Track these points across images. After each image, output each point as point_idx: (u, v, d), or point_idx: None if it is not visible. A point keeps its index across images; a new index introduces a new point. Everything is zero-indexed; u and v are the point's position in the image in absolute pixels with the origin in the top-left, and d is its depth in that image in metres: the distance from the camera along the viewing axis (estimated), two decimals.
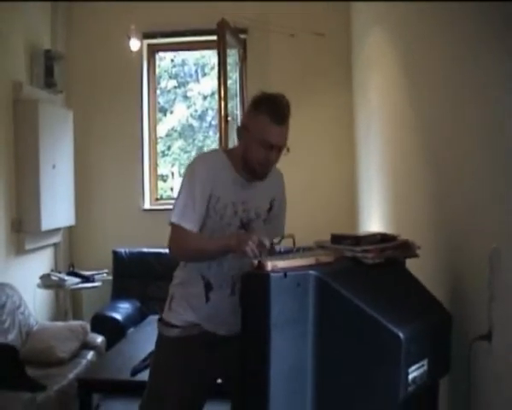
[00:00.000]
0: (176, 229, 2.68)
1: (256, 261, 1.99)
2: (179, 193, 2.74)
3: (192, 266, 2.82)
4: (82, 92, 6.94)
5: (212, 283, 2.78)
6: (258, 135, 2.63)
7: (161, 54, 7.66)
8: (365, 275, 2.16)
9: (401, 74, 3.64)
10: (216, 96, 6.41)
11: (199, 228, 2.70)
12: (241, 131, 2.76)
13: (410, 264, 2.41)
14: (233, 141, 6.02)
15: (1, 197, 5.58)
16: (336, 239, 2.32)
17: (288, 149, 2.71)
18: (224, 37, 5.82)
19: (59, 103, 6.63)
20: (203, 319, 2.80)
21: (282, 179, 3.00)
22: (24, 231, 5.84)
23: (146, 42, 6.99)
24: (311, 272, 1.98)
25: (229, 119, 5.83)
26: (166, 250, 6.28)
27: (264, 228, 2.83)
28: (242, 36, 6.68)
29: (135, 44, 6.60)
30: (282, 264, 1.99)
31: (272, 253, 2.39)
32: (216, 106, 6.53)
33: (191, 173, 2.76)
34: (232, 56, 6.45)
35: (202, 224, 2.71)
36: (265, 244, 2.39)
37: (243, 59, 6.77)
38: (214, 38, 5.91)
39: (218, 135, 6.02)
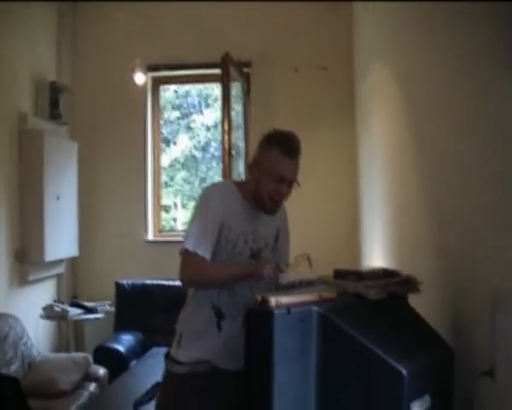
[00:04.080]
0: (190, 256, 2.70)
1: (260, 297, 2.00)
2: (192, 221, 2.78)
3: (201, 296, 2.82)
4: (86, 124, 7.00)
5: (224, 311, 2.79)
6: (270, 168, 2.71)
7: (165, 85, 7.73)
8: (368, 311, 2.16)
9: (403, 109, 3.67)
10: (219, 128, 6.46)
11: (211, 256, 2.73)
12: (253, 167, 2.83)
13: (413, 299, 2.42)
14: (237, 174, 6.05)
15: (5, 228, 5.61)
16: (339, 275, 2.33)
17: (298, 184, 2.77)
18: (227, 70, 5.87)
19: (64, 135, 6.70)
20: (214, 351, 2.77)
21: (284, 210, 3.04)
22: (27, 261, 5.86)
23: (150, 74, 7.06)
24: (314, 308, 2.00)
25: (232, 152, 5.86)
26: (169, 282, 6.30)
27: (272, 257, 2.88)
28: (246, 69, 6.75)
29: (140, 78, 6.64)
30: (285, 300, 2.00)
31: (278, 286, 2.43)
32: (219, 137, 6.58)
33: (204, 202, 2.81)
34: (236, 88, 6.51)
35: (213, 252, 2.74)
36: (282, 268, 2.51)
37: (247, 92, 6.82)
38: (218, 71, 5.99)
39: (221, 166, 6.05)
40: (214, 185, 3.23)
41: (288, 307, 1.96)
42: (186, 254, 2.72)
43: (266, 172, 2.72)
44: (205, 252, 2.69)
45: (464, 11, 2.23)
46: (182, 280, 2.76)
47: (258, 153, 2.82)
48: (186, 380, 2.79)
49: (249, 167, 2.89)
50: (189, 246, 2.70)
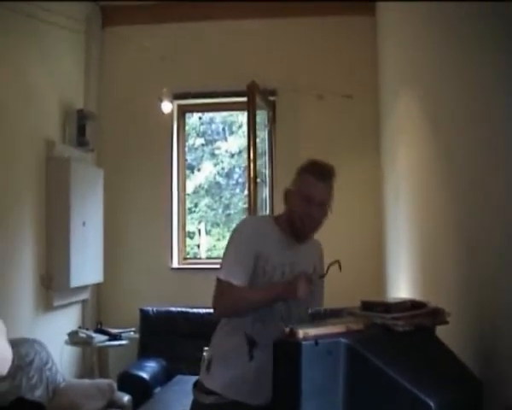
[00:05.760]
0: (222, 284, 2.73)
1: (288, 329, 2.00)
2: (226, 252, 2.83)
3: (234, 324, 2.82)
4: (113, 151, 7.07)
5: (257, 340, 2.77)
6: (299, 190, 2.80)
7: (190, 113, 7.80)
8: (395, 342, 2.15)
9: (430, 140, 3.65)
10: (243, 154, 6.49)
11: (246, 283, 2.74)
12: (287, 194, 2.91)
13: (440, 331, 2.40)
14: (261, 201, 6.05)
15: (31, 253, 5.65)
16: (367, 306, 2.32)
17: (330, 210, 2.87)
18: (253, 99, 5.91)
19: (90, 162, 6.77)
20: (243, 382, 2.74)
21: (320, 248, 3.10)
22: (53, 287, 5.89)
23: (176, 102, 7.10)
24: (342, 339, 1.99)
25: (258, 180, 5.86)
26: (194, 309, 6.30)
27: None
28: (271, 98, 6.78)
29: (166, 107, 6.71)
30: (313, 332, 2.00)
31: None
32: (243, 164, 6.60)
33: (237, 234, 2.88)
34: (261, 116, 6.53)
35: (250, 283, 2.76)
36: (312, 278, 2.64)
37: (272, 120, 6.85)
38: (243, 99, 6.03)
39: (245, 193, 6.06)
40: (250, 217, 3.29)
41: (316, 339, 1.96)
42: (218, 284, 2.75)
43: (296, 195, 2.80)
44: (238, 279, 2.72)
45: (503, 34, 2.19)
46: (214, 309, 2.79)
47: (293, 180, 2.90)
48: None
49: (283, 196, 2.95)
50: (222, 275, 2.74)
